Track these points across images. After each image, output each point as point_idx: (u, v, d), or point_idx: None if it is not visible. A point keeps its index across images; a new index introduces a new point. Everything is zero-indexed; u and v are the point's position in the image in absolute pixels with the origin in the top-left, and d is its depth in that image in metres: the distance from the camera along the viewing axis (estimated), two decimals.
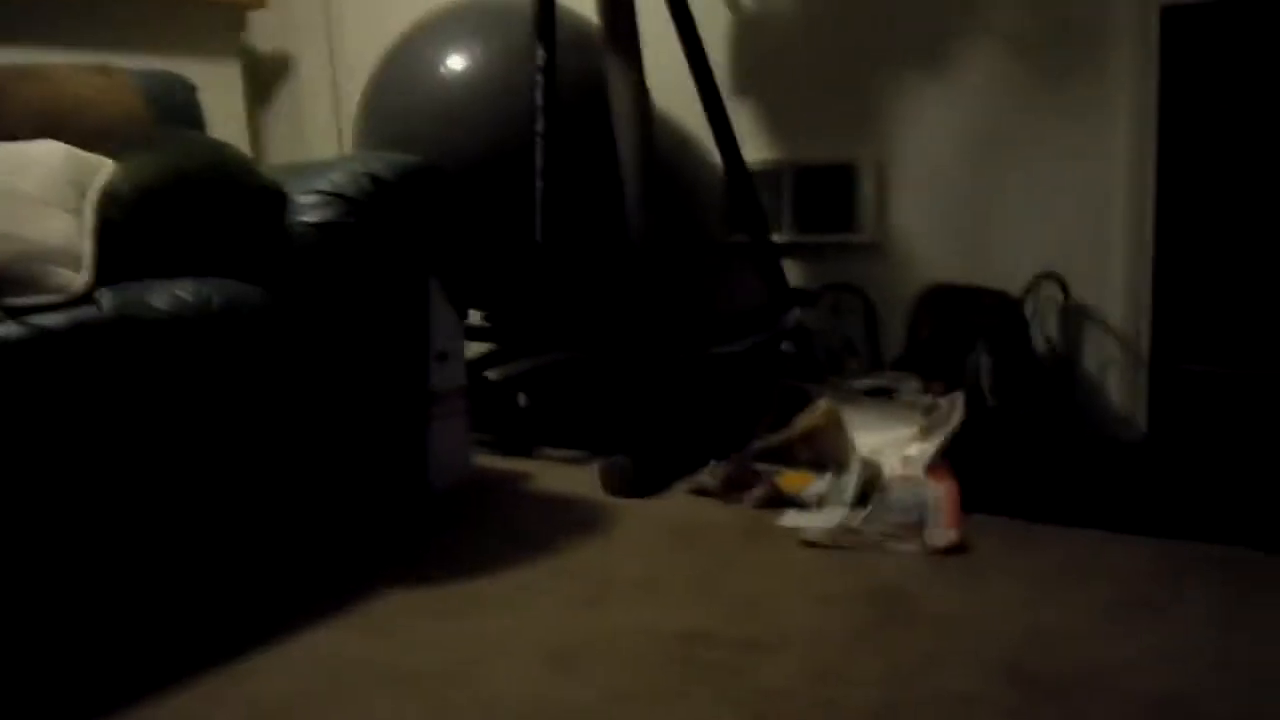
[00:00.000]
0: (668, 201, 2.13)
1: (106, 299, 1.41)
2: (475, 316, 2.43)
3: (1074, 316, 2.16)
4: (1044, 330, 2.16)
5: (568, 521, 1.84)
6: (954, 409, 1.94)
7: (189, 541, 1.51)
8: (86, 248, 1.47)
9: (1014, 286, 2.15)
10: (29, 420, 1.31)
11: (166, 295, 1.47)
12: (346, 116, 3.24)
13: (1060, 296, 2.15)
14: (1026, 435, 1.97)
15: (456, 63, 2.24)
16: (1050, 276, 2.15)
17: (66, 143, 1.82)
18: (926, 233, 2.30)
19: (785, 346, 2.16)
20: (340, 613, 1.49)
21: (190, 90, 2.15)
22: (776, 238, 2.39)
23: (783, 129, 2.45)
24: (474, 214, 2.14)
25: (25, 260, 1.39)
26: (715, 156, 2.42)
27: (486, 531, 1.80)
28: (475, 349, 2.29)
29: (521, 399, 2.30)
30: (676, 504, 1.92)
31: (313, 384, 1.63)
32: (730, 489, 1.91)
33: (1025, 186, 2.19)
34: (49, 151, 1.60)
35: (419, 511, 1.89)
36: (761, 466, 1.96)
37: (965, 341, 2.04)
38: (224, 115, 2.93)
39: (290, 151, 3.36)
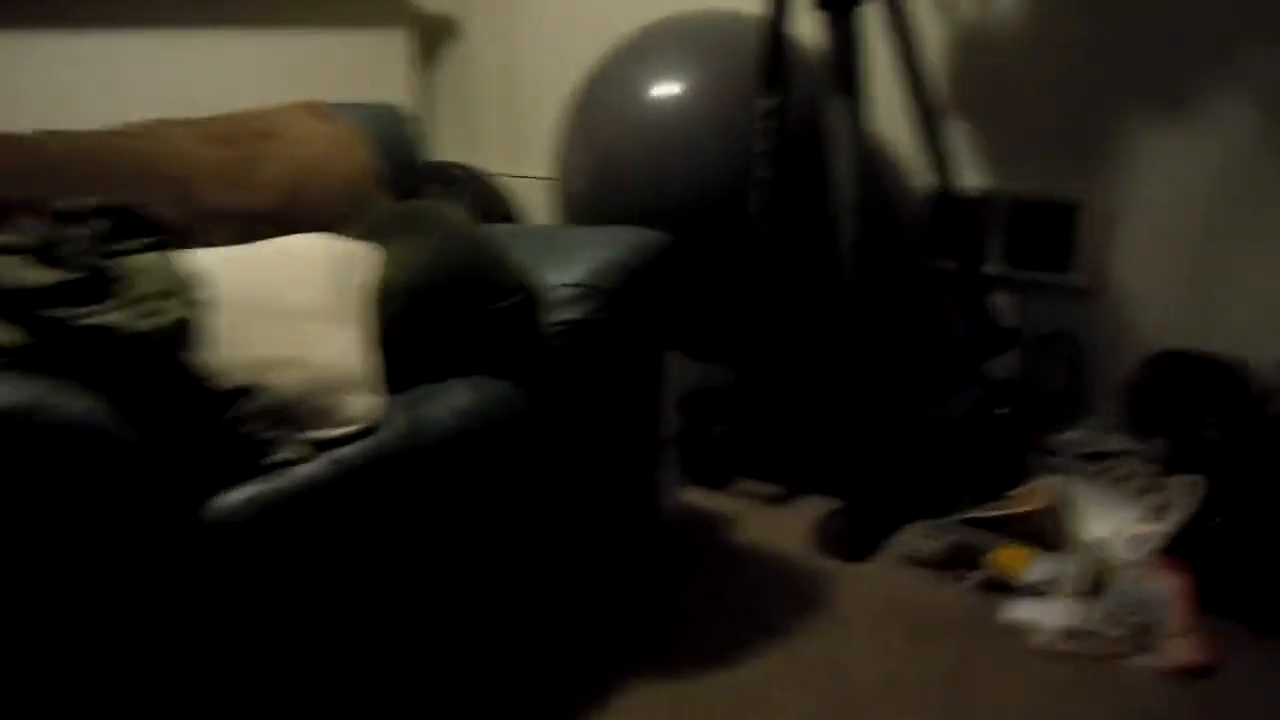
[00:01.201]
0: (877, 234, 2.07)
1: (398, 420, 1.44)
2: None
3: None
4: None
5: (788, 592, 1.88)
6: (1188, 491, 1.88)
7: (455, 620, 1.58)
8: (371, 365, 1.49)
9: (1253, 356, 2.05)
10: (335, 546, 1.37)
11: (445, 408, 1.50)
12: (518, 86, 3.18)
13: None
14: (1270, 528, 1.91)
15: (671, 88, 2.16)
16: None
17: (309, 206, 1.85)
18: (1154, 285, 2.19)
19: (999, 410, 2.12)
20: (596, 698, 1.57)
21: (405, 122, 2.13)
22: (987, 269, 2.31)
23: (1000, 157, 2.34)
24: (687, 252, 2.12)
25: (318, 389, 1.42)
26: (918, 175, 2.35)
27: (709, 598, 1.86)
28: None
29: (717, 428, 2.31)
30: (894, 576, 1.93)
31: (566, 457, 1.68)
32: (950, 564, 1.92)
33: (1275, 251, 2.06)
34: (309, 249, 1.61)
35: (651, 546, 1.99)
36: (975, 536, 1.96)
37: (1196, 417, 1.98)
38: (391, 81, 2.94)
39: (459, 116, 3.32)
